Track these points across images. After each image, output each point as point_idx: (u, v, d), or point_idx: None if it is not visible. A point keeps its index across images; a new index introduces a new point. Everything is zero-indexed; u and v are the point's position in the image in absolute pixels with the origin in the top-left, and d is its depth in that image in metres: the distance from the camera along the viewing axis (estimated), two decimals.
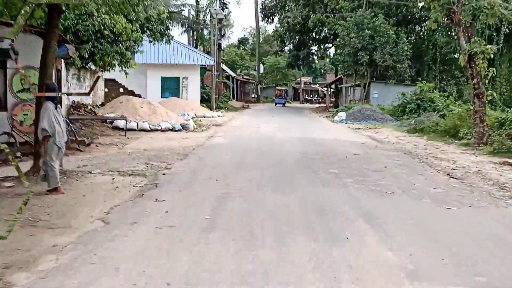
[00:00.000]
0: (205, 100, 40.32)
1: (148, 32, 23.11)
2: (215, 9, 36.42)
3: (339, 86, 54.42)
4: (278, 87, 72.48)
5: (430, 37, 46.66)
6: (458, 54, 46.40)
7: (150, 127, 20.44)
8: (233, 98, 60.27)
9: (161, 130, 20.52)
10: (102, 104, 23.81)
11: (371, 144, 17.94)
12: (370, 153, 15.31)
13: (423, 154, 15.68)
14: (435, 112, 30.70)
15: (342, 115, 32.79)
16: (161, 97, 34.70)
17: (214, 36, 40.10)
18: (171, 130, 20.81)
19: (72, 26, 19.20)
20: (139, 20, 22.21)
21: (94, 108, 21.71)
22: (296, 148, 15.94)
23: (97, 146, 15.99)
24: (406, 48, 40.53)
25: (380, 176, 10.89)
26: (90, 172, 10.88)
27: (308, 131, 22.64)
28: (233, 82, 60.74)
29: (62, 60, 18.17)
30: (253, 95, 75.87)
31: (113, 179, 10.23)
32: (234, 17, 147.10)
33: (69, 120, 18.81)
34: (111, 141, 17.19)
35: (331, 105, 57.87)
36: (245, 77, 70.86)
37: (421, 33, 50.65)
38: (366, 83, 41.14)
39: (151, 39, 23.65)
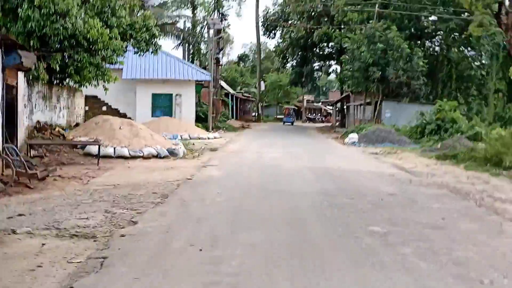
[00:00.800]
0: (201, 120, 36.86)
1: (131, 40, 19.69)
2: (212, 19, 33.09)
3: (346, 104, 50.94)
4: (287, 106, 70.76)
5: (445, 52, 43.34)
6: (477, 71, 43.28)
7: (130, 154, 16.86)
8: (233, 117, 56.86)
9: (143, 157, 16.94)
10: (77, 125, 20.26)
11: (403, 177, 14.31)
12: (409, 192, 11.68)
13: (474, 192, 12.03)
14: (459, 134, 27.30)
15: (354, 137, 29.22)
16: (152, 116, 31.29)
17: (211, 49, 36.72)
18: (156, 156, 17.23)
19: (37, 29, 15.77)
20: (121, 26, 18.84)
21: (64, 130, 18.14)
22: (311, 184, 12.33)
23: (55, 180, 12.38)
24: (421, 63, 37.11)
25: (447, 238, 7.27)
26: (14, 232, 7.31)
27: (320, 158, 19.06)
28: (232, 99, 57.42)
29: (19, 72, 14.66)
30: (253, 114, 72.49)
31: (42, 244, 6.70)
32: (234, 33, 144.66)
33: (29, 145, 15.28)
34: (76, 173, 13.58)
35: (337, 124, 54.38)
36: (245, 94, 67.58)
37: (431, 48, 47.38)
38: (378, 101, 37.66)
39: (135, 49, 20.20)
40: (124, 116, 25.72)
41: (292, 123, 61.74)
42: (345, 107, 56.10)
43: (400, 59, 36.43)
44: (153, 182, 12.12)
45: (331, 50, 60.05)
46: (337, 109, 54.64)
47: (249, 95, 70.50)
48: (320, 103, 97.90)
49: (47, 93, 18.29)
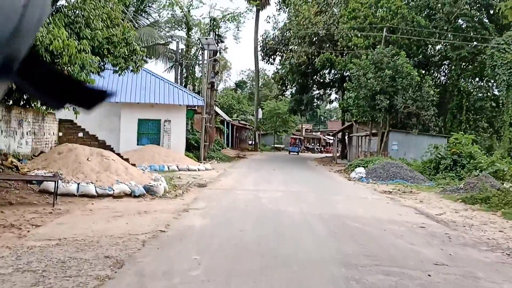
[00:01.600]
0: (194, 148, 33.87)
1: (109, 56, 16.76)
2: (206, 39, 30.25)
3: (348, 135, 48.01)
4: (293, 136, 71.74)
5: (455, 81, 40.69)
6: (488, 102, 40.55)
7: (96, 192, 13.72)
8: (228, 145, 53.89)
9: (113, 196, 13.81)
10: (41, 154, 17.13)
11: (438, 231, 11.20)
12: (458, 258, 8.56)
13: None
14: (479, 171, 24.38)
15: (361, 171, 26.19)
16: (137, 144, 28.22)
17: (206, 72, 33.89)
18: (130, 195, 14.12)
19: None
20: (96, 39, 15.95)
21: (20, 161, 15.00)
22: (325, 243, 9.17)
23: None
24: (432, 92, 34.34)
25: None
26: None
27: (328, 199, 15.92)
28: (228, 127, 54.51)
29: None
30: (250, 142, 69.52)
31: None
32: (232, 59, 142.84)
33: None
34: (18, 219, 10.48)
35: (338, 155, 51.38)
36: (241, 122, 64.69)
37: (439, 77, 44.76)
38: (385, 132, 34.75)
39: (113, 67, 17.26)
40: (103, 144, 22.62)
41: (298, 153, 62.56)
42: (346, 137, 53.23)
43: (410, 88, 33.70)
44: (112, 236, 9.00)
45: (333, 78, 57.65)
46: (338, 139, 51.75)
47: (246, 123, 67.67)
48: (319, 132, 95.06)
49: (3, 116, 15.25)
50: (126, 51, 16.48)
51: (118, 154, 22.31)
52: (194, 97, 28.97)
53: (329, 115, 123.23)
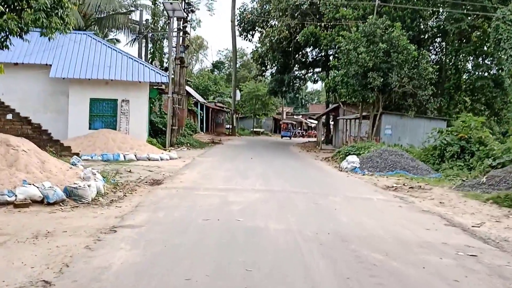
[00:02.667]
0: (162, 133, 29.52)
1: (27, 10, 12.34)
2: (171, 3, 25.52)
3: (335, 117, 43.89)
4: (285, 121, 72.74)
5: (453, 59, 36.77)
6: (488, 81, 36.71)
7: None
8: (202, 129, 49.50)
9: (15, 204, 9.46)
10: None
11: (495, 263, 7.15)
12: None
13: None
14: (491, 159, 20.56)
15: (354, 160, 22.13)
16: (90, 128, 23.77)
17: (175, 46, 29.42)
18: (41, 202, 9.80)
19: None
20: None
21: None
22: None
23: None
24: (430, 69, 30.35)
25: None
26: None
27: (325, 206, 11.57)
28: (202, 109, 50.07)
29: None
30: (227, 126, 65.11)
31: None
32: (209, 38, 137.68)
33: None
34: None
35: (323, 140, 47.41)
36: (218, 104, 60.17)
37: (432, 55, 40.76)
38: (377, 115, 30.75)
39: (34, 27, 12.76)
40: (38, 128, 18.14)
41: (290, 137, 64.13)
42: (331, 121, 49.30)
43: (406, 64, 29.67)
44: None
45: (316, 56, 53.52)
46: (322, 123, 47.66)
47: (223, 105, 63.14)
48: (301, 116, 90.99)
49: None
50: (47, 2, 12.00)
51: (57, 141, 17.95)
52: (157, 72, 24.49)
53: (310, 98, 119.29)
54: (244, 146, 38.59)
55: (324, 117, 49.30)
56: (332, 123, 49.47)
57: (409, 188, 16.39)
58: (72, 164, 13.13)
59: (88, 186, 10.52)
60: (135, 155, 21.42)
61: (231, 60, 74.68)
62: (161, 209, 9.96)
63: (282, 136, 64.78)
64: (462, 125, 23.31)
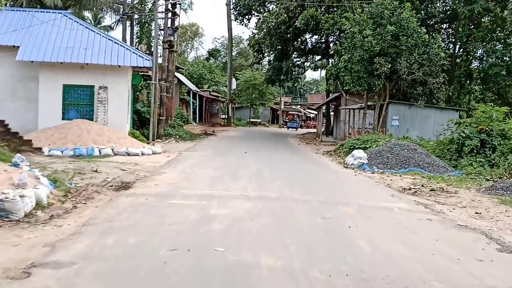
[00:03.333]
0: (149, 124, 26.80)
1: None
2: None
3: (337, 107, 41.11)
4: (291, 112, 72.64)
5: (464, 44, 34.03)
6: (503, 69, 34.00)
7: None
8: (195, 120, 46.77)
9: None
10: None
11: None
12: None
13: None
14: None
15: (362, 156, 19.47)
16: (63, 118, 21.09)
17: (163, 28, 26.68)
18: None
19: None
20: None
21: None
22: None
23: None
24: (442, 55, 27.67)
25: None
26: None
27: (336, 223, 8.84)
28: (195, 98, 47.32)
29: None
30: (223, 116, 62.33)
31: None
32: (205, 25, 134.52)
33: None
34: None
35: (323, 131, 44.75)
36: (213, 93, 57.32)
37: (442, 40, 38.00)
38: (384, 104, 28.08)
39: None
40: None
41: (297, 128, 62.85)
42: (332, 111, 46.62)
43: (415, 49, 26.98)
44: None
45: (316, 43, 50.80)
46: (323, 113, 44.92)
47: (219, 95, 60.29)
48: (299, 106, 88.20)
49: None
50: None
51: (15, 134, 15.30)
52: (140, 56, 21.70)
53: (309, 87, 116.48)
54: (239, 138, 35.92)
55: (324, 107, 46.59)
56: (332, 113, 46.80)
57: (430, 190, 13.79)
58: (13, 165, 10.45)
59: (21, 196, 7.86)
60: (112, 150, 18.77)
61: (227, 48, 71.79)
62: (114, 230, 7.30)
63: (288, 128, 63.40)
64: (482, 116, 20.73)
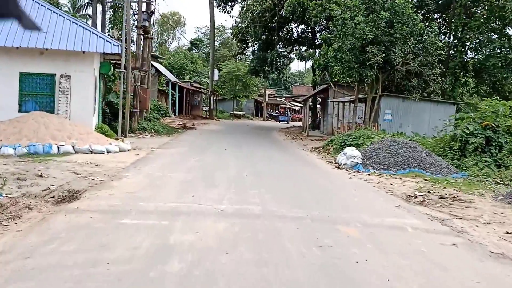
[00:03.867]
0: (123, 117, 24.51)
1: None
2: None
3: (324, 100, 39.01)
4: (283, 106, 74.39)
5: (460, 34, 32.08)
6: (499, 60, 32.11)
7: None
8: (175, 113, 44.40)
9: None
10: None
11: None
12: None
13: None
14: None
15: (355, 154, 17.39)
16: (20, 110, 18.69)
17: (136, 13, 24.27)
18: None
19: None
20: None
21: None
22: None
23: None
24: (439, 44, 25.73)
25: None
26: None
27: (335, 248, 6.74)
28: (174, 89, 44.88)
29: None
30: (205, 109, 59.92)
31: None
32: (187, 15, 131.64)
33: None
34: None
35: (309, 125, 42.66)
36: (194, 85, 54.88)
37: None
38: (377, 97, 26.07)
39: None
40: None
41: (288, 122, 64.49)
42: (318, 104, 44.58)
43: (411, 37, 25.01)
44: None
45: (302, 33, 48.67)
46: (309, 105, 42.78)
47: (201, 86, 57.83)
48: (284, 98, 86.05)
49: None
50: None
51: None
52: (107, 41, 19.29)
53: (293, 80, 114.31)
54: (220, 132, 33.69)
55: (310, 99, 44.51)
56: (319, 106, 44.76)
57: (439, 198, 11.74)
58: None
59: None
60: (73, 147, 16.46)
61: (210, 38, 69.29)
62: (23, 277, 5.06)
63: (279, 121, 64.35)
64: (487, 111, 18.80)
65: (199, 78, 61.95)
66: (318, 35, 47.64)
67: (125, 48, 24.11)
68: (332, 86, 32.74)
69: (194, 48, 78.26)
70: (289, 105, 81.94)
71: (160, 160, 15.81)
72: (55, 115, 18.46)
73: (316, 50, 44.31)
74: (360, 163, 17.02)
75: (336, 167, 17.38)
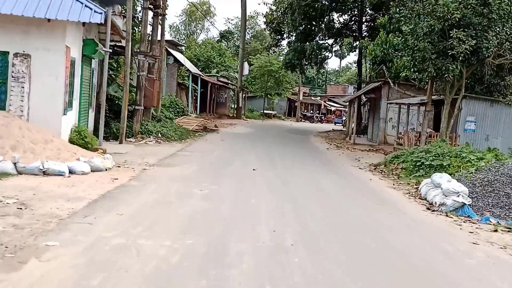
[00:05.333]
0: (128, 116, 18.62)
1: None
2: None
3: (376, 100, 32.26)
4: (338, 108, 69.93)
5: None
6: None
7: None
8: (197, 110, 38.40)
9: None
10: None
11: None
12: None
13: None
14: None
15: (457, 189, 10.87)
16: None
17: None
18: None
19: None
20: None
21: None
22: None
23: None
24: None
25: None
26: None
27: None
28: (196, 83, 38.82)
29: None
30: (232, 106, 53.79)
31: None
32: (217, 4, 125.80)
33: None
34: None
35: (352, 130, 36.01)
36: (221, 79, 48.76)
37: None
38: (458, 99, 19.48)
39: None
40: None
41: (343, 124, 57.31)
42: (367, 105, 37.97)
43: (509, 20, 18.41)
44: None
45: (346, 23, 42.43)
46: (354, 107, 36.10)
47: (228, 81, 51.67)
48: (319, 97, 79.37)
49: None
50: None
51: None
52: (86, 6, 13.16)
53: (328, 78, 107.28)
54: (247, 136, 27.48)
55: (356, 100, 37.82)
56: (366, 108, 38.18)
57: None
58: None
59: None
60: (15, 163, 10.46)
61: (241, 29, 63.20)
62: None
63: (335, 123, 59.84)
64: None
65: (227, 72, 55.78)
66: (363, 26, 41.32)
67: (125, 24, 18.13)
68: (392, 84, 26.03)
69: (223, 40, 72.28)
70: (324, 105, 75.27)
71: (144, 194, 9.61)
72: (7, 112, 12.52)
73: (362, 40, 37.97)
74: (467, 204, 10.59)
75: (426, 207, 10.97)
